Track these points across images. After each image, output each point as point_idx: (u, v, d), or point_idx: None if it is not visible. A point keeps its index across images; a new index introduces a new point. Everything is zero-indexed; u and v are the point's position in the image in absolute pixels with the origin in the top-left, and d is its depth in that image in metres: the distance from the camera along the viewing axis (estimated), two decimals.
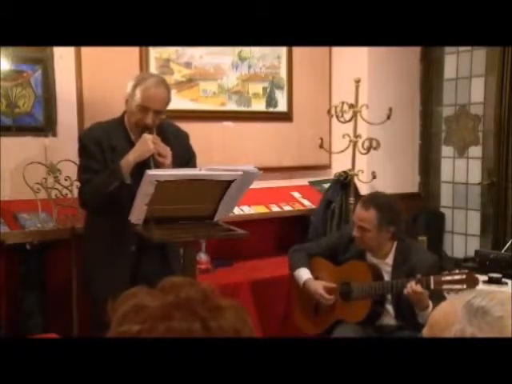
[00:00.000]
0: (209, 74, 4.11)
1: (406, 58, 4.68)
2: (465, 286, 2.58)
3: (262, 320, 3.53)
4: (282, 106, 4.46)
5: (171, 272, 2.68)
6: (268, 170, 3.54)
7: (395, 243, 2.89)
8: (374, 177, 3.88)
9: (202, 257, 3.71)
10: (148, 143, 2.62)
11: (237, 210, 3.77)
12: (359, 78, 3.93)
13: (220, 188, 2.54)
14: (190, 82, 4.05)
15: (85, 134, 2.86)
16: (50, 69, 3.51)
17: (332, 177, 4.27)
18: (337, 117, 3.93)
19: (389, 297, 2.89)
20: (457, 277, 2.60)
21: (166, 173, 2.47)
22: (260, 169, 2.65)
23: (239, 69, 4.23)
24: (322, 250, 3.10)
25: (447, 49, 4.70)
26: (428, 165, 4.88)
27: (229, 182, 2.52)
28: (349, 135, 3.93)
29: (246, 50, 4.25)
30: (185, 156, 2.85)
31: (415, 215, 4.67)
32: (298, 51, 4.45)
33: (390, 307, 2.91)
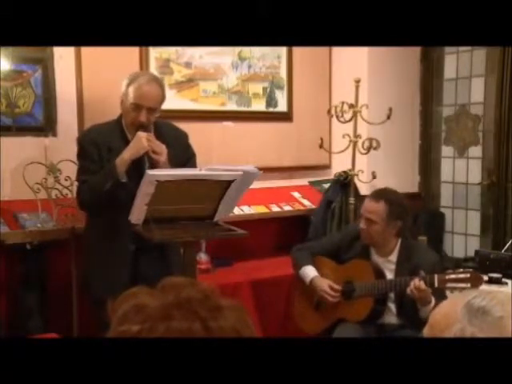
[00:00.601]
0: (209, 74, 4.11)
1: (406, 58, 4.68)
2: (469, 285, 2.58)
3: (261, 320, 3.53)
4: (282, 106, 4.46)
5: (171, 272, 2.68)
6: (268, 170, 3.54)
7: (399, 241, 2.90)
8: (374, 177, 3.88)
9: (202, 257, 3.71)
10: (142, 141, 2.62)
11: (237, 210, 3.77)
12: (359, 78, 3.93)
13: (220, 188, 2.54)
14: (190, 82, 4.05)
15: (83, 136, 2.87)
16: (50, 69, 3.51)
17: (332, 177, 4.27)
18: (337, 117, 3.94)
19: (391, 295, 2.89)
20: (461, 276, 2.61)
21: (166, 173, 2.47)
22: (260, 169, 2.65)
23: (239, 69, 4.23)
24: (325, 249, 3.10)
25: (447, 49, 4.70)
26: (428, 165, 4.88)
27: (229, 182, 2.52)
28: (349, 135, 3.93)
29: (246, 50, 4.25)
30: (184, 156, 2.84)
31: (415, 215, 4.67)
32: (298, 51, 4.45)
33: (392, 305, 2.91)
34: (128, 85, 2.69)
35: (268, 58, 4.36)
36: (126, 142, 2.71)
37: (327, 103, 4.56)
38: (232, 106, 4.23)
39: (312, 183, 4.59)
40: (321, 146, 3.96)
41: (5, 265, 3.31)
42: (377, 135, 3.94)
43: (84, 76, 3.62)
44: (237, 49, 4.20)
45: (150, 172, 2.42)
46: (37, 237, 3.24)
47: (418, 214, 4.69)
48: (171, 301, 0.79)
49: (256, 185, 3.00)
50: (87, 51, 3.57)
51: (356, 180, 4.04)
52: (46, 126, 3.53)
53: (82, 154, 2.77)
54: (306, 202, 4.36)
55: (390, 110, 3.78)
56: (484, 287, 3.27)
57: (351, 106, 3.90)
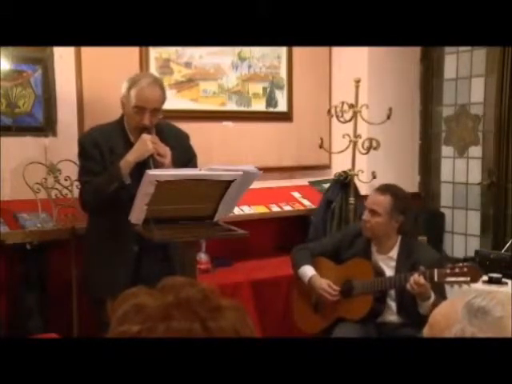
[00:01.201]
0: (209, 74, 4.11)
1: (405, 58, 4.68)
2: (468, 279, 2.59)
3: (261, 320, 3.53)
4: (282, 106, 4.46)
5: (173, 272, 2.68)
6: (268, 170, 3.54)
7: (400, 237, 2.92)
8: (374, 177, 3.88)
9: (202, 257, 3.71)
10: (147, 143, 2.63)
11: (237, 210, 3.77)
12: (359, 78, 3.93)
13: (220, 188, 2.54)
14: (190, 82, 4.04)
15: (84, 137, 2.87)
16: (50, 69, 3.51)
17: (332, 177, 4.27)
18: (337, 117, 3.93)
19: (392, 293, 2.90)
20: (459, 269, 2.61)
21: (166, 173, 2.47)
22: (260, 169, 2.65)
23: (239, 69, 4.23)
24: (326, 249, 3.11)
25: (447, 49, 4.70)
26: (428, 165, 4.88)
27: (229, 182, 2.52)
28: (349, 135, 3.93)
29: (246, 50, 4.25)
30: (185, 157, 2.85)
31: (415, 215, 4.67)
32: (298, 51, 4.45)
33: (392, 303, 2.91)
34: (129, 88, 2.68)
35: (268, 58, 4.36)
36: (128, 143, 2.72)
37: (327, 103, 4.56)
38: (232, 106, 4.23)
39: (312, 183, 4.59)
40: (321, 146, 3.96)
41: (5, 265, 3.31)
42: (377, 135, 3.93)
43: (84, 76, 3.62)
44: (237, 49, 4.20)
45: (149, 172, 2.42)
46: (37, 237, 3.24)
47: (418, 213, 4.69)
48: (171, 301, 0.79)
49: (256, 185, 3.00)
50: (87, 51, 3.57)
51: (356, 180, 4.04)
52: (46, 126, 3.53)
53: (84, 154, 2.77)
54: (306, 202, 4.35)
55: (390, 109, 3.78)
56: (484, 287, 3.27)
57: (351, 106, 3.90)
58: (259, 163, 3.15)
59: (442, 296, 2.71)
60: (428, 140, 4.86)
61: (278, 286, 3.66)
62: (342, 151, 4.00)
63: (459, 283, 2.61)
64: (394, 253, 2.93)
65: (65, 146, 3.44)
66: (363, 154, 3.94)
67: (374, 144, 3.88)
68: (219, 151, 4.11)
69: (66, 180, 3.36)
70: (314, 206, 4.26)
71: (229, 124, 4.24)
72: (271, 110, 4.42)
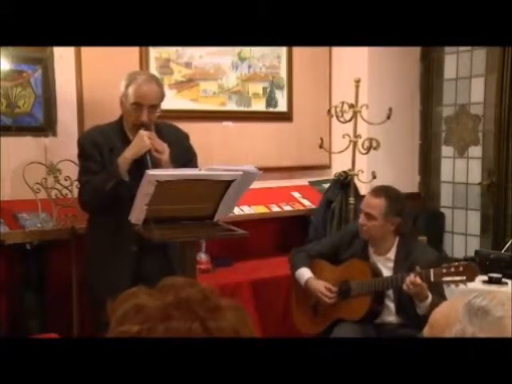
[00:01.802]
0: (209, 74, 4.11)
1: (406, 58, 4.68)
2: (464, 278, 2.59)
3: (261, 320, 3.53)
4: (282, 106, 4.46)
5: (173, 271, 2.68)
6: (268, 170, 3.53)
7: (397, 238, 2.91)
8: (374, 177, 3.88)
9: (202, 257, 3.71)
10: (144, 139, 2.64)
11: (237, 210, 3.77)
12: (359, 78, 3.93)
13: (220, 188, 2.54)
14: (189, 82, 4.05)
15: (83, 137, 2.87)
16: (50, 69, 3.51)
17: (332, 177, 4.27)
18: (337, 117, 3.93)
19: (390, 293, 2.89)
20: (455, 269, 2.61)
21: (166, 173, 2.47)
22: (260, 169, 2.65)
23: (239, 69, 4.23)
24: (324, 250, 3.11)
25: (447, 49, 4.70)
26: (428, 165, 4.88)
27: (229, 182, 2.52)
28: (349, 135, 3.93)
29: (246, 50, 4.25)
30: (185, 156, 2.85)
31: (415, 215, 4.67)
32: (298, 51, 4.45)
33: (391, 304, 2.91)
34: (127, 86, 2.69)
35: (268, 58, 4.36)
36: (127, 142, 2.72)
37: (327, 103, 4.56)
38: (232, 106, 4.23)
39: (312, 183, 4.59)
40: (321, 146, 3.96)
41: (5, 265, 3.31)
42: (377, 135, 3.93)
43: (84, 76, 3.62)
44: (237, 49, 4.20)
45: (149, 172, 2.42)
46: (37, 237, 3.24)
47: (418, 213, 4.69)
48: (171, 301, 0.79)
49: (256, 185, 3.00)
50: (87, 51, 3.57)
51: (356, 180, 4.04)
52: (46, 126, 3.53)
53: (83, 154, 2.77)
54: (306, 202, 4.35)
55: (390, 109, 3.78)
56: (484, 287, 3.27)
57: (351, 106, 3.90)
58: (259, 163, 3.15)
59: (440, 296, 2.70)
60: (428, 140, 4.86)
61: (278, 286, 3.66)
62: (342, 151, 4.00)
63: (456, 282, 2.61)
64: (391, 254, 2.92)
65: (65, 146, 3.44)
66: (363, 154, 3.94)
67: (374, 144, 3.88)
68: (219, 151, 4.11)
69: (66, 180, 3.36)
70: (313, 206, 4.26)
71: (229, 124, 4.24)
72: (271, 109, 4.42)
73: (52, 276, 3.36)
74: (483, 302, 1.04)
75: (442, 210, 4.83)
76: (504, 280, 3.40)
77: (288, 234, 4.27)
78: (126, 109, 2.73)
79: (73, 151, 2.94)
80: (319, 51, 4.58)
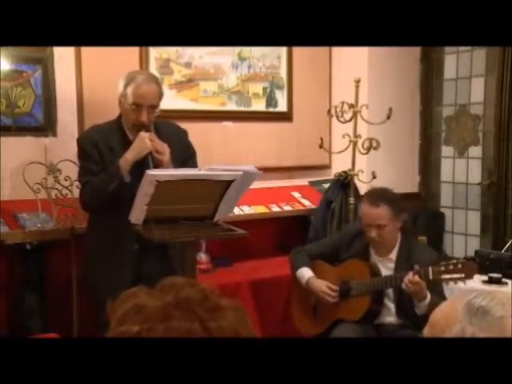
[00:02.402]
0: (209, 74, 4.11)
1: (406, 58, 4.68)
2: (463, 276, 2.59)
3: (261, 320, 3.53)
4: (282, 106, 4.46)
5: (173, 271, 2.68)
6: (268, 170, 3.53)
7: (399, 238, 2.91)
8: (374, 177, 3.88)
9: (202, 257, 3.71)
10: (145, 141, 2.63)
11: (237, 210, 3.77)
12: (359, 78, 3.93)
13: (220, 188, 2.54)
14: (189, 82, 4.05)
15: (82, 137, 2.87)
16: (50, 69, 3.51)
17: (332, 177, 4.27)
18: (337, 117, 3.93)
19: (390, 294, 2.89)
20: (454, 266, 2.61)
21: (166, 173, 2.47)
22: (260, 169, 2.65)
23: (239, 69, 4.23)
24: (324, 250, 3.11)
25: (447, 49, 4.70)
26: (428, 165, 4.88)
27: (229, 182, 2.52)
28: (349, 135, 3.93)
29: (246, 50, 4.25)
30: (184, 154, 2.85)
31: (415, 215, 4.67)
32: (298, 51, 4.45)
33: (391, 305, 2.91)
34: (125, 86, 2.69)
35: (268, 58, 4.36)
36: (127, 142, 2.72)
37: (327, 103, 4.56)
38: (232, 106, 4.23)
39: (312, 183, 4.59)
40: (321, 146, 3.96)
41: (5, 265, 3.31)
42: (377, 135, 3.93)
43: (84, 76, 3.62)
44: (237, 49, 4.20)
45: (149, 172, 2.42)
46: (37, 237, 3.24)
47: (418, 213, 4.69)
48: (171, 301, 0.79)
49: (256, 185, 3.00)
50: (87, 51, 3.57)
51: (356, 180, 4.03)
52: (46, 126, 3.53)
53: (83, 155, 2.77)
54: (306, 202, 4.35)
55: (390, 109, 3.78)
56: (484, 287, 3.27)
57: (351, 106, 3.90)
58: (259, 163, 3.15)
59: (440, 296, 2.70)
60: (428, 140, 4.86)
61: (278, 286, 3.66)
62: (342, 151, 4.00)
63: (454, 280, 2.61)
64: (393, 254, 2.92)
65: (65, 146, 3.44)
66: (363, 154, 3.94)
67: (374, 144, 3.88)
68: (219, 151, 4.11)
69: (65, 180, 3.36)
70: (313, 206, 4.26)
71: (229, 124, 4.24)
72: (271, 109, 4.42)
73: (52, 276, 3.36)
74: (483, 301, 1.04)
75: (442, 209, 4.83)
76: (504, 280, 3.40)
77: (288, 233, 4.27)
78: (124, 109, 2.73)
79: (73, 151, 2.94)
80: (319, 51, 4.58)
